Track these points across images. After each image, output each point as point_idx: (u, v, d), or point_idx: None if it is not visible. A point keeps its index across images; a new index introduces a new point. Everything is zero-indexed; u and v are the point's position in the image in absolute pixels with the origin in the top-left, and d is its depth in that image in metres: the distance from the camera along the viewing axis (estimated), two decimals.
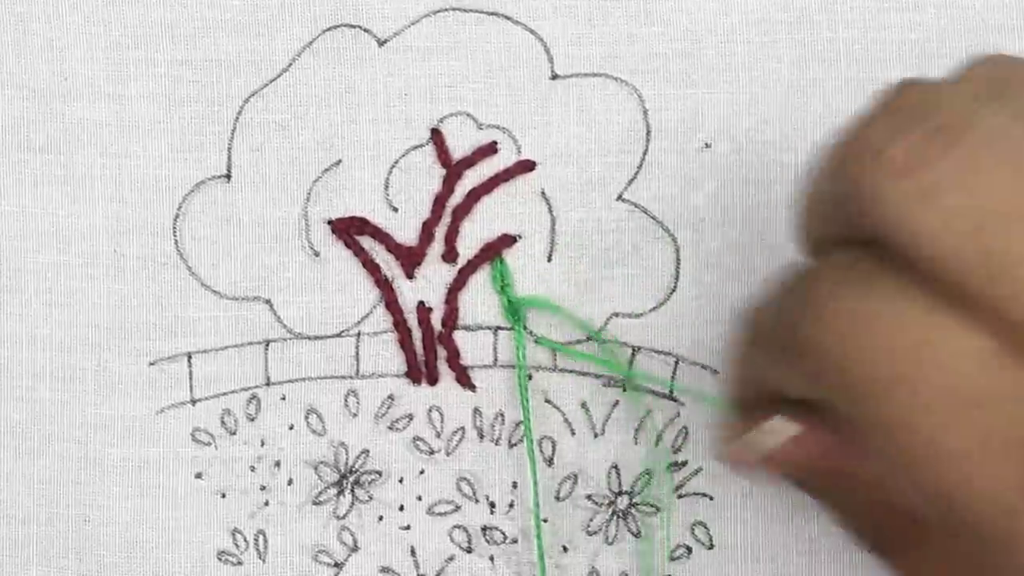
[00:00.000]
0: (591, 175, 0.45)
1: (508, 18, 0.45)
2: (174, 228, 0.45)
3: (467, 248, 0.45)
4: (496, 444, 0.45)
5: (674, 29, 0.45)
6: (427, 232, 0.45)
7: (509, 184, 0.45)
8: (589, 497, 0.45)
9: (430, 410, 0.45)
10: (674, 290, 0.45)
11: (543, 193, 0.45)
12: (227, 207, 0.45)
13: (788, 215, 0.45)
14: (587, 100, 0.45)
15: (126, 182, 0.45)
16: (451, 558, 0.45)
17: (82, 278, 0.45)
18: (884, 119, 0.31)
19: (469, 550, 0.45)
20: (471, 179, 0.45)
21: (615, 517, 0.45)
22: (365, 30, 0.45)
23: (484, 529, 0.45)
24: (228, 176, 0.45)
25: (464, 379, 0.45)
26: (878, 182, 0.29)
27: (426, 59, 0.45)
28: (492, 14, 0.45)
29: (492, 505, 0.45)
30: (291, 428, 0.46)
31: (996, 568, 0.30)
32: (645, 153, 0.45)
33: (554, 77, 0.45)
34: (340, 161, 0.45)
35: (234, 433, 0.45)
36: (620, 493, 0.45)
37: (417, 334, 0.45)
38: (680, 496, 0.45)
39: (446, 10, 0.45)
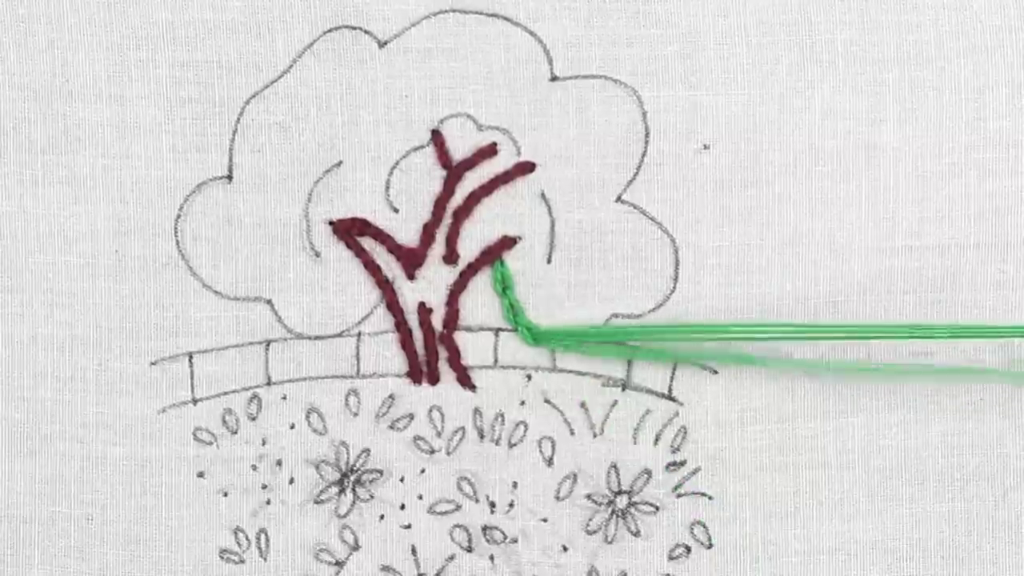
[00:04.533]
0: (590, 176, 0.45)
1: (508, 20, 0.45)
2: (175, 229, 0.45)
3: (467, 250, 0.45)
4: (496, 444, 0.46)
5: (673, 31, 0.45)
6: (428, 233, 0.45)
7: (509, 185, 0.45)
8: (588, 496, 0.46)
9: (431, 410, 0.46)
10: (674, 290, 0.45)
11: (543, 194, 0.45)
12: (228, 208, 0.45)
13: (787, 215, 0.45)
14: (586, 102, 0.45)
15: (127, 183, 0.45)
16: (452, 557, 0.46)
17: (84, 278, 0.46)
18: None
19: (469, 549, 0.46)
20: (471, 180, 0.45)
21: (614, 516, 0.45)
22: (366, 32, 0.45)
23: (484, 528, 0.46)
24: (229, 177, 0.45)
25: (465, 379, 0.45)
26: None
27: (426, 61, 0.45)
28: (492, 16, 0.45)
29: (492, 505, 0.46)
30: (292, 427, 0.46)
31: None
32: (644, 155, 0.45)
33: (554, 79, 0.45)
34: (341, 162, 0.45)
35: (235, 432, 0.46)
36: (619, 492, 0.45)
37: (418, 335, 0.45)
38: (679, 496, 0.45)
39: (446, 12, 0.45)
